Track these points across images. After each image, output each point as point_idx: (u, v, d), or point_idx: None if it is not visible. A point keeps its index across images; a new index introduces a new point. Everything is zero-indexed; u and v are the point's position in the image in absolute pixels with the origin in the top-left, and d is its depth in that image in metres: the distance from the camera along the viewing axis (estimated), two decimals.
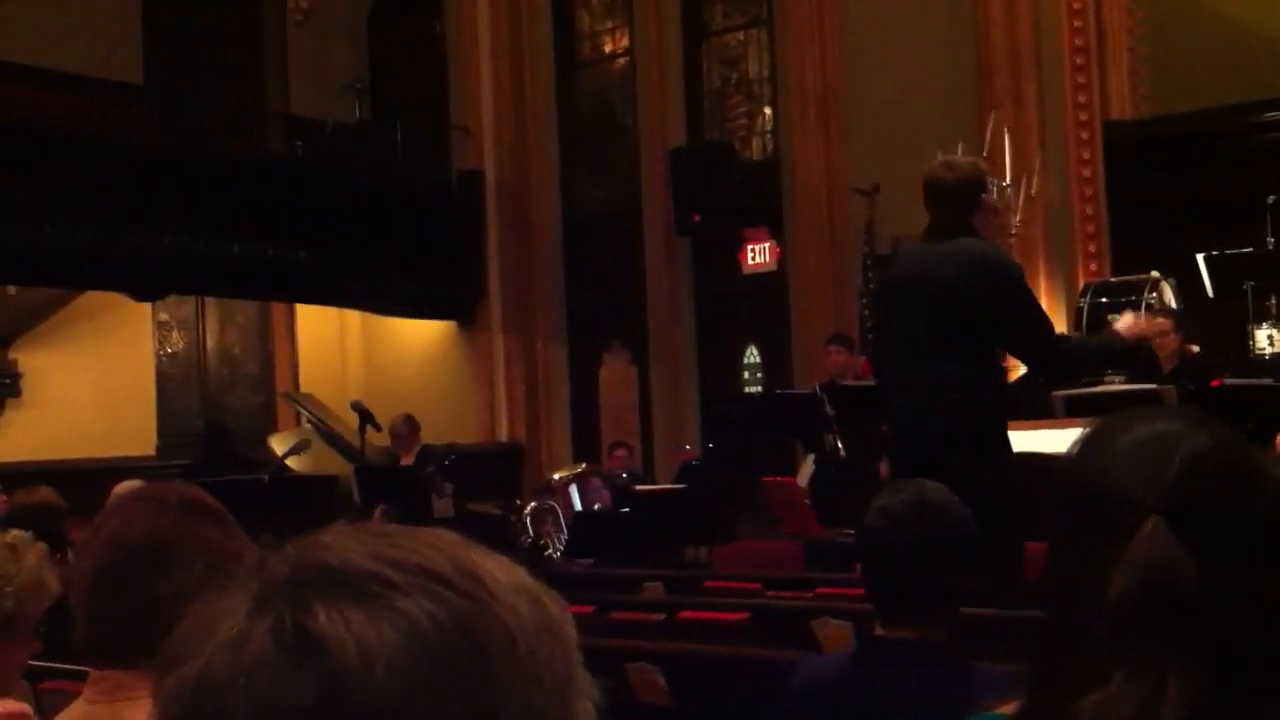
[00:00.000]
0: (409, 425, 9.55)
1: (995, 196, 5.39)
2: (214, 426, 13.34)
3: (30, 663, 3.24)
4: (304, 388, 13.49)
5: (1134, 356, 5.83)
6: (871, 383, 5.50)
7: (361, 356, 14.22)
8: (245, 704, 0.62)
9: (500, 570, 0.68)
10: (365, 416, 9.36)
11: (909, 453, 4.45)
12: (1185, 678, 1.18)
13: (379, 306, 13.52)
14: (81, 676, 1.78)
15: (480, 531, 7.60)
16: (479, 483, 10.23)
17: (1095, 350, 4.87)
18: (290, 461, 10.08)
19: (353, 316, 14.05)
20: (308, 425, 12.14)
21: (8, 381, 12.81)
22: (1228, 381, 6.11)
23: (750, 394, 11.89)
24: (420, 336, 13.83)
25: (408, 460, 9.35)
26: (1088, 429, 1.36)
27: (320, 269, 12.20)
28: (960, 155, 5.78)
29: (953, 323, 4.39)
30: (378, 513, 7.70)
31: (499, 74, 13.29)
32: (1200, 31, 9.90)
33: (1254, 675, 1.24)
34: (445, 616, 0.63)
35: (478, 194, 13.37)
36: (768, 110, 12.41)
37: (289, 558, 0.67)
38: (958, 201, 4.51)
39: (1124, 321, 4.83)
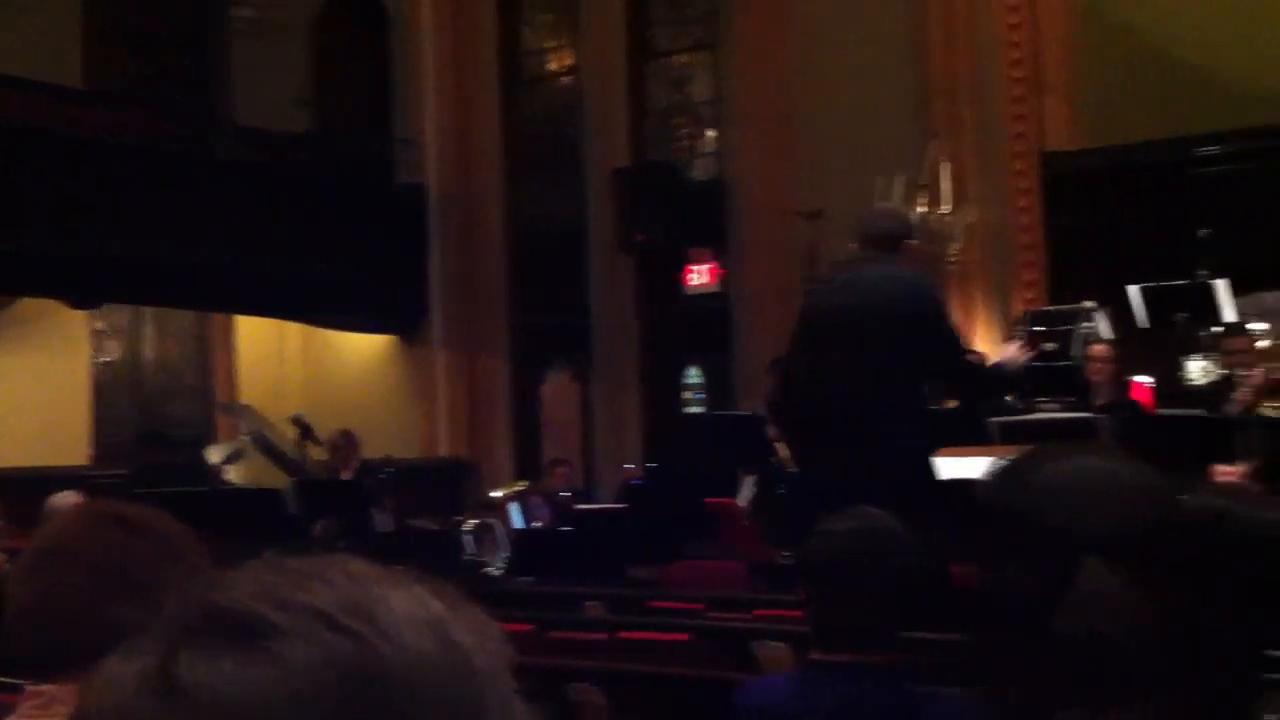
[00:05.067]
0: (347, 440, 9.54)
1: (919, 242, 5.73)
2: (151, 436, 13.20)
3: None
4: (243, 399, 13.38)
5: (1053, 373, 6.17)
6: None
7: (301, 369, 14.12)
8: None
9: (403, 603, 0.65)
10: (304, 430, 9.32)
11: (840, 473, 4.53)
12: (1132, 715, 1.22)
13: (319, 319, 13.43)
14: (18, 689, 1.78)
15: (420, 548, 7.58)
16: (420, 498, 10.19)
17: (997, 374, 5.22)
18: (229, 473, 10.00)
19: (292, 328, 13.96)
20: (245, 437, 12.04)
21: None
22: (1160, 412, 6.24)
23: (691, 414, 11.94)
24: (361, 350, 13.76)
25: (347, 475, 9.31)
26: (1006, 462, 1.42)
27: (260, 280, 12.11)
28: (898, 201, 6.17)
29: (875, 344, 4.54)
30: (318, 527, 7.67)
31: (443, 88, 13.29)
32: (1137, 66, 10.12)
33: (1201, 709, 1.29)
34: (320, 659, 0.61)
35: (421, 208, 13.35)
36: (711, 132, 12.51)
37: (185, 597, 0.65)
38: (884, 240, 4.75)
39: (1008, 352, 5.19)
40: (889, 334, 4.56)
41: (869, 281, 4.70)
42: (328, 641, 0.62)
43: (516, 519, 8.90)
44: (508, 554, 7.13)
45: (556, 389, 12.98)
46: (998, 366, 5.29)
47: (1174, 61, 9.99)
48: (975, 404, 5.98)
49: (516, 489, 9.51)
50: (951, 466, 4.76)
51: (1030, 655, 1.30)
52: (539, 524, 9.04)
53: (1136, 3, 10.25)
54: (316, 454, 9.75)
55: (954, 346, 4.82)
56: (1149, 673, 1.24)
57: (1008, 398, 6.72)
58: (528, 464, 12.45)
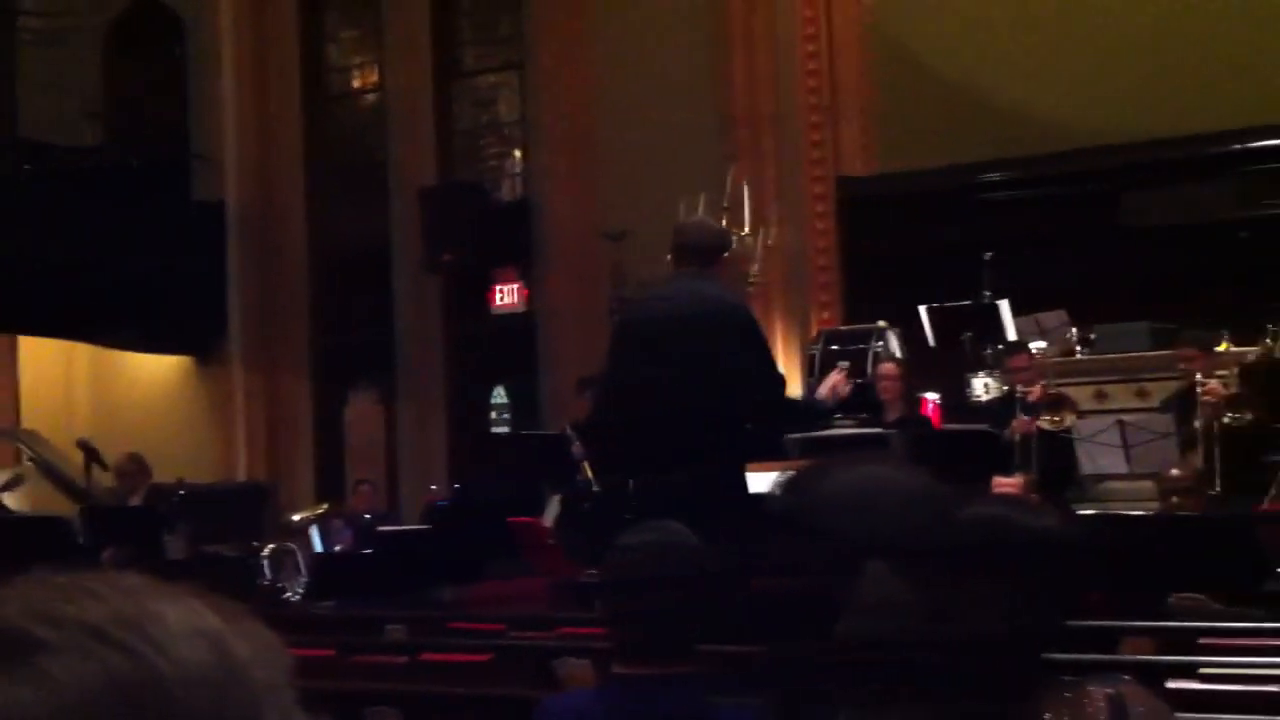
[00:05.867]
0: (136, 464, 9.25)
1: (737, 252, 5.67)
2: None
3: None
4: (26, 424, 12.79)
5: (835, 410, 6.24)
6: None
7: (89, 392, 13.59)
8: None
9: (178, 616, 0.64)
10: (91, 454, 8.99)
11: (651, 489, 4.55)
12: (911, 714, 1.26)
13: (109, 340, 12.95)
14: None
15: (215, 575, 7.35)
16: (217, 524, 9.90)
17: (807, 408, 5.17)
18: (8, 501, 9.56)
19: (81, 350, 13.42)
20: (28, 463, 11.53)
21: None
22: (947, 427, 6.49)
23: (497, 434, 11.90)
24: (154, 372, 13.32)
25: (136, 501, 9.02)
26: (793, 473, 1.46)
27: (45, 300, 11.61)
28: (708, 217, 6.08)
29: (689, 361, 4.55)
30: (106, 555, 7.38)
31: (243, 103, 12.99)
32: (927, 95, 10.52)
33: (978, 709, 1.34)
34: (92, 675, 0.60)
35: (219, 225, 12.99)
36: (518, 153, 12.52)
37: None
38: (702, 253, 4.72)
39: (824, 386, 5.15)
40: (703, 350, 4.56)
41: (684, 297, 4.68)
42: (100, 656, 0.61)
43: (317, 543, 8.73)
44: (307, 579, 6.97)
45: (360, 410, 12.78)
46: (812, 400, 5.22)
47: (962, 91, 10.42)
48: (779, 428, 5.96)
49: (317, 512, 9.33)
50: (751, 481, 4.84)
51: (816, 658, 1.33)
52: (340, 547, 8.89)
53: (927, 36, 10.66)
54: (105, 480, 9.40)
55: (768, 366, 4.82)
56: (930, 673, 1.28)
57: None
58: (331, 487, 12.21)
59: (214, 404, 12.95)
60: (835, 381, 5.08)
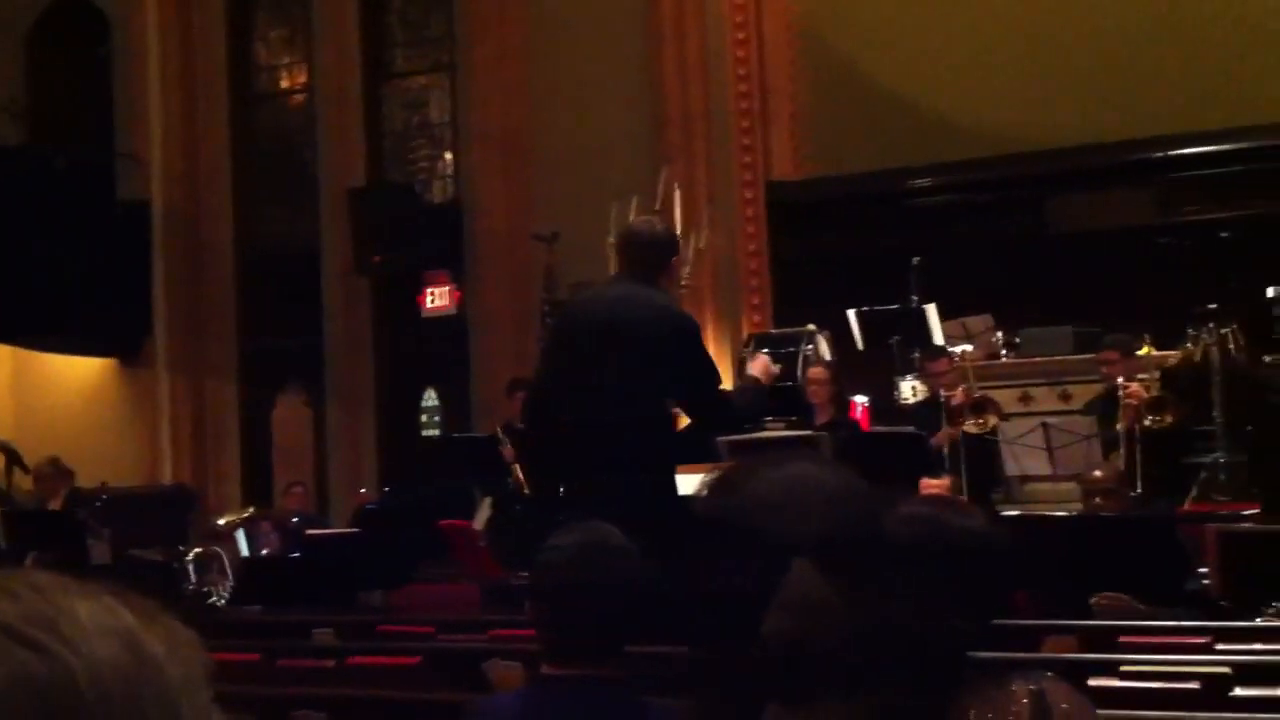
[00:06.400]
0: (55, 468, 9.14)
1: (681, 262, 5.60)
2: None
3: None
4: None
5: (778, 393, 6.20)
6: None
7: (11, 394, 13.34)
8: None
9: (90, 613, 0.64)
10: (12, 457, 8.87)
11: (584, 492, 4.54)
12: (836, 711, 1.27)
13: (31, 342, 12.73)
14: None
15: (140, 580, 7.25)
16: (143, 528, 9.77)
17: (747, 400, 5.14)
18: None
19: (2, 351, 13.17)
20: None
21: None
22: (875, 430, 6.55)
23: (428, 437, 11.83)
24: (78, 374, 13.10)
25: (56, 504, 8.89)
26: (720, 473, 1.46)
27: None
28: (654, 218, 6.03)
29: (633, 366, 4.53)
30: (30, 560, 7.25)
31: (169, 101, 12.82)
32: (858, 99, 10.61)
33: (903, 706, 1.35)
34: (3, 673, 0.60)
35: (145, 226, 12.81)
36: (449, 154, 12.46)
37: None
38: (651, 257, 4.69)
39: (755, 367, 5.12)
40: (645, 355, 4.53)
41: (628, 301, 4.62)
42: (11, 655, 0.60)
43: (244, 547, 8.64)
44: (233, 583, 6.90)
45: (288, 413, 12.65)
46: (744, 390, 5.17)
47: (891, 97, 10.52)
48: (722, 429, 5.92)
49: (244, 516, 9.23)
50: (681, 484, 4.85)
51: (742, 657, 1.34)
52: (267, 551, 8.81)
53: (856, 42, 10.75)
54: (25, 483, 9.27)
55: (711, 374, 4.79)
56: (855, 671, 1.29)
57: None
58: (258, 490, 12.08)
59: (139, 407, 12.76)
60: (764, 363, 5.07)
